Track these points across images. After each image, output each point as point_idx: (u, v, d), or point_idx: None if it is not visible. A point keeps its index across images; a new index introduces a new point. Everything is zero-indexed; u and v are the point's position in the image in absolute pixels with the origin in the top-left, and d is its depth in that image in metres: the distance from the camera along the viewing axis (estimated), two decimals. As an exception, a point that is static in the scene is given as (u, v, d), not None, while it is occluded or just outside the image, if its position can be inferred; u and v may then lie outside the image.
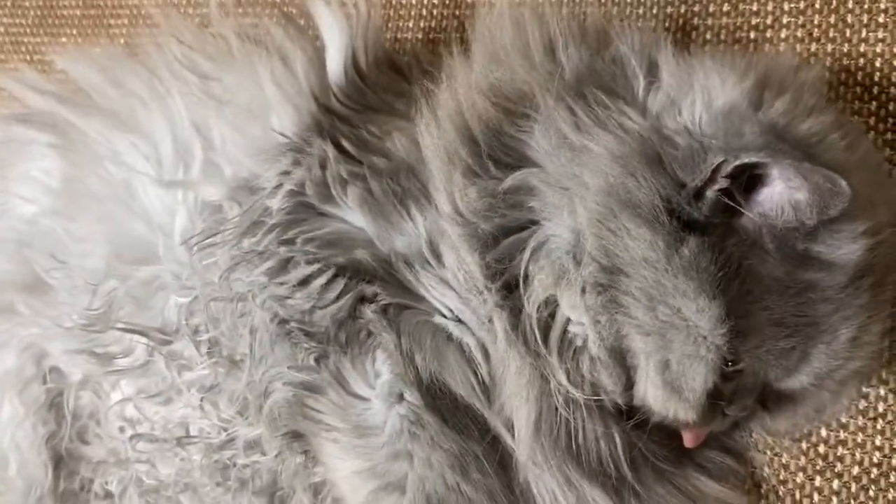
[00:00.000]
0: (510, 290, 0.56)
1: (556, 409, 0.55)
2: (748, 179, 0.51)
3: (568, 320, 0.55)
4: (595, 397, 0.55)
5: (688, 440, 0.60)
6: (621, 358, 0.55)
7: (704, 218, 0.51)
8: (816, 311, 0.52)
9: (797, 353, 0.53)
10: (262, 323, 0.61)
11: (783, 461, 0.65)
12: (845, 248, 0.50)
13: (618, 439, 0.57)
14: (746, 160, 0.48)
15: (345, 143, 0.63)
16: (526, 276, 0.55)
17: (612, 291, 0.52)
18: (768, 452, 0.66)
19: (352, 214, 0.62)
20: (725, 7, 0.76)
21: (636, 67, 0.58)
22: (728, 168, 0.49)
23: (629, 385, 0.56)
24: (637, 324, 0.52)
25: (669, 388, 0.53)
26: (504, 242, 0.56)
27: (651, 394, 0.54)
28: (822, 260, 0.51)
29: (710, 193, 0.50)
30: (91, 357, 0.69)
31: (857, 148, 0.55)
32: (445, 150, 0.57)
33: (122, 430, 0.73)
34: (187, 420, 0.69)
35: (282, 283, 0.60)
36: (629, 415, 0.58)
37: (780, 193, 0.49)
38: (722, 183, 0.50)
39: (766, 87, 0.54)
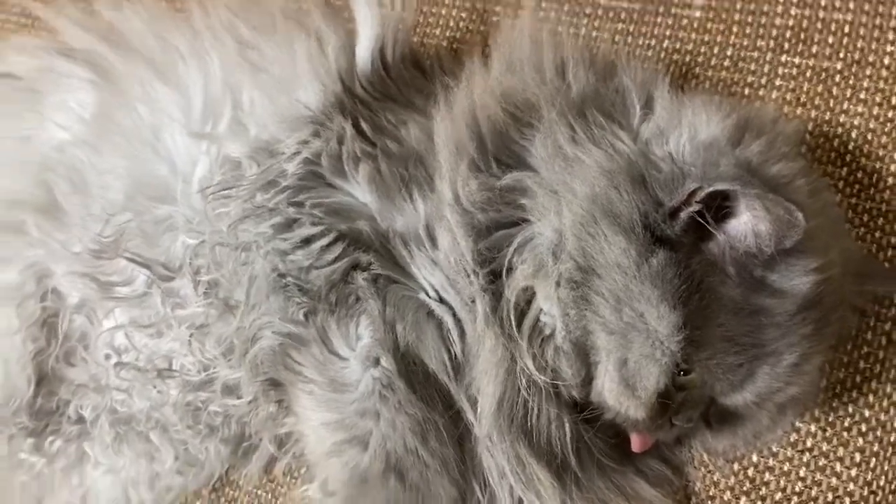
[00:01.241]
0: (495, 277, 0.61)
1: (519, 390, 0.60)
2: (720, 209, 0.56)
3: (541, 310, 0.60)
4: (555, 382, 0.60)
5: (635, 444, 0.64)
6: (584, 353, 0.60)
7: (676, 236, 0.56)
8: (765, 334, 0.57)
9: (744, 370, 0.58)
10: (261, 272, 0.66)
11: (715, 478, 0.71)
12: (797, 280, 0.56)
13: (567, 427, 0.62)
14: (719, 187, 0.54)
15: (363, 125, 0.68)
16: (510, 267, 0.60)
17: (584, 289, 0.57)
18: (703, 469, 0.71)
19: (359, 190, 0.67)
20: (726, 62, 0.83)
21: (635, 99, 0.64)
22: (702, 194, 0.55)
23: (588, 380, 0.61)
24: (603, 322, 0.57)
25: (625, 384, 0.58)
26: (495, 235, 0.61)
27: (608, 388, 0.59)
28: (775, 288, 0.56)
29: (684, 214, 0.56)
30: (92, 282, 0.73)
31: (819, 196, 0.61)
32: (456, 142, 0.63)
33: (107, 356, 0.76)
34: (172, 355, 0.73)
35: (285, 239, 0.65)
36: (582, 409, 0.63)
37: (745, 223, 0.55)
38: (695, 206, 0.55)
39: (746, 129, 0.60)
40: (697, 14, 0.86)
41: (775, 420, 0.66)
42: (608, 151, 0.59)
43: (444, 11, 0.95)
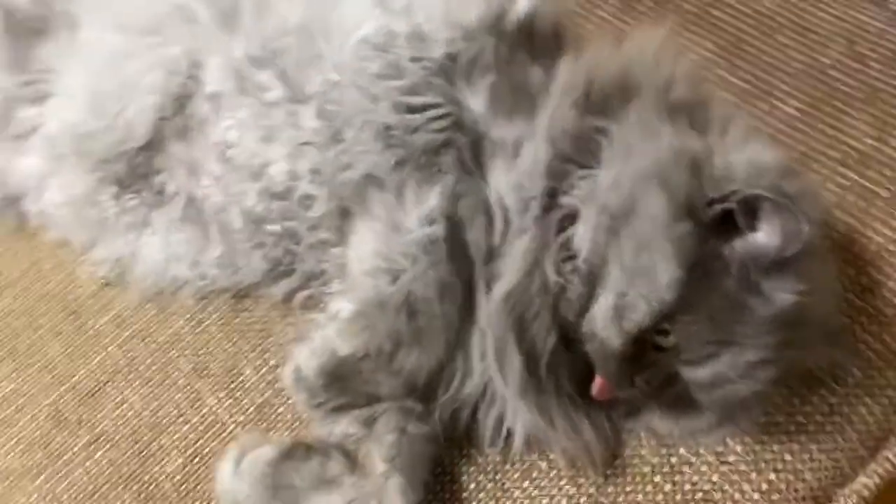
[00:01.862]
0: (554, 194, 0.74)
1: (531, 286, 0.73)
2: (750, 221, 0.68)
3: (577, 232, 0.73)
4: (563, 284, 0.72)
5: (596, 387, 0.74)
6: (593, 282, 0.71)
7: (705, 221, 0.69)
8: (740, 327, 0.68)
9: (711, 348, 0.68)
10: (376, 120, 0.79)
11: (643, 453, 0.81)
12: (782, 294, 0.67)
13: (552, 339, 0.73)
14: (754, 192, 0.66)
15: (501, 49, 0.82)
16: (568, 190, 0.74)
17: (619, 223, 0.69)
18: (636, 441, 0.82)
19: (473, 99, 0.80)
20: (796, 154, 0.96)
21: (716, 125, 0.77)
22: (738, 196, 0.67)
23: (585, 308, 0.73)
24: (620, 257, 0.69)
25: (616, 312, 0.69)
26: (568, 165, 0.75)
27: (601, 312, 0.70)
28: (763, 294, 0.67)
29: (718, 207, 0.68)
30: (235, 80, 0.87)
31: (825, 254, 0.73)
32: (570, 83, 0.77)
33: (215, 145, 0.90)
34: (269, 161, 0.86)
35: (407, 99, 0.79)
36: (569, 333, 0.75)
37: (762, 236, 0.67)
38: (729, 205, 0.68)
39: (791, 173, 0.72)
40: (791, 110, 1.00)
41: (712, 427, 0.77)
42: (681, 139, 0.72)
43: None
